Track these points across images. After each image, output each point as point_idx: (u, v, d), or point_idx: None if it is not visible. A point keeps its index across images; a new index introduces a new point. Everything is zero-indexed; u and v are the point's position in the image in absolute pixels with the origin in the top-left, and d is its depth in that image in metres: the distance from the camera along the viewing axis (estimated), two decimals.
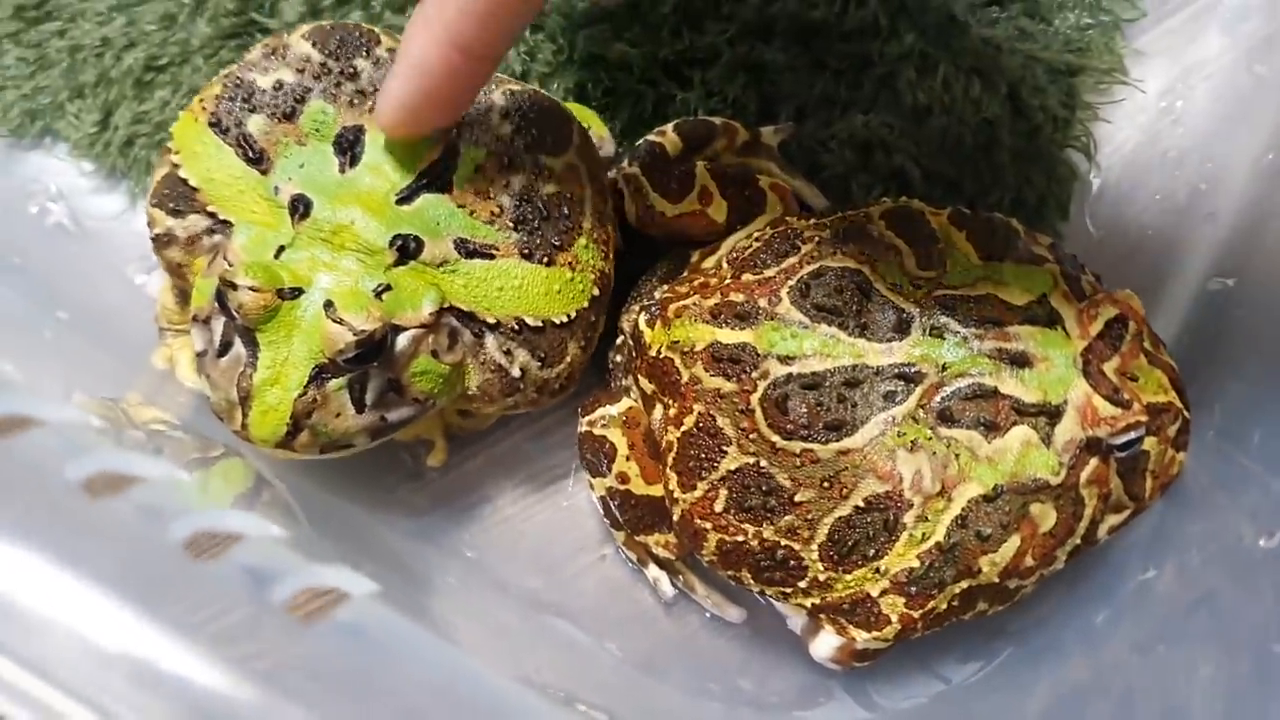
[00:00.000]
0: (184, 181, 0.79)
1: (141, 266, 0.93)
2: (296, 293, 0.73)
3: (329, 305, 0.72)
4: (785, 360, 0.75)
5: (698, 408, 0.77)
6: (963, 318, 0.75)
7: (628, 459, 0.83)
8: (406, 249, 0.76)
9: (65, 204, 0.94)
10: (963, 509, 0.73)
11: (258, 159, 0.78)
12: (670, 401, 0.80)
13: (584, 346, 0.83)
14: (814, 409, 0.74)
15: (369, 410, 0.75)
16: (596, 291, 0.82)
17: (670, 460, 0.79)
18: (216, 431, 0.81)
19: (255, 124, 0.79)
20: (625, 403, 0.84)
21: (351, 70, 0.80)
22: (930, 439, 0.73)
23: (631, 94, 0.94)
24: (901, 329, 0.75)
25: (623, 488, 0.83)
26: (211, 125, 0.79)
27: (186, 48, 0.94)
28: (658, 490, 0.82)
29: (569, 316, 0.80)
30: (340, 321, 0.71)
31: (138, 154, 0.93)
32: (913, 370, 0.74)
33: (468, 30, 0.68)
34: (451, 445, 0.89)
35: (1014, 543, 0.74)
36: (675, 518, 0.80)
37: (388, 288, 0.74)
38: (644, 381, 0.82)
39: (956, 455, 0.73)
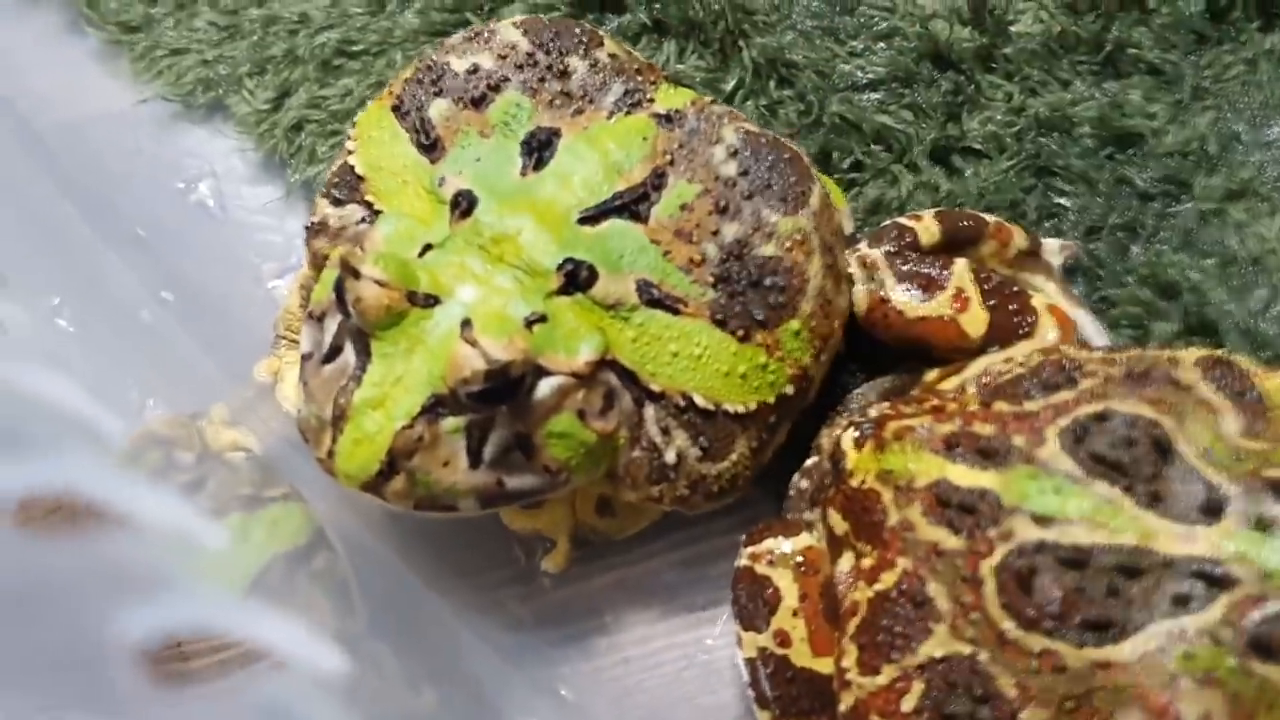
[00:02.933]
0: (352, 169, 0.74)
1: (280, 268, 0.88)
2: (431, 301, 0.64)
3: (466, 324, 0.62)
4: (1040, 521, 0.61)
5: (903, 563, 0.64)
6: None
7: (794, 614, 0.70)
8: (576, 277, 0.66)
9: (216, 184, 0.91)
10: None
11: (431, 146, 0.72)
12: (867, 549, 0.67)
13: (755, 450, 0.71)
14: (1071, 595, 0.59)
15: (485, 467, 0.64)
16: (789, 390, 0.71)
17: (852, 627, 0.65)
18: (301, 472, 0.72)
19: (437, 108, 0.72)
20: (804, 539, 0.71)
21: (562, 68, 0.73)
22: (1233, 673, 0.57)
23: (884, 175, 0.84)
24: (1211, 511, 0.60)
25: (780, 652, 0.70)
26: (394, 110, 0.73)
27: (388, 38, 0.90)
28: (826, 665, 0.68)
29: (746, 408, 0.69)
30: (474, 344, 0.61)
31: (304, 141, 0.89)
32: (1220, 571, 0.58)
33: None
34: (577, 553, 0.78)
35: None
36: (843, 708, 0.66)
37: (543, 318, 0.64)
38: (835, 517, 0.69)
39: (1271, 706, 0.57)
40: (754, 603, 0.70)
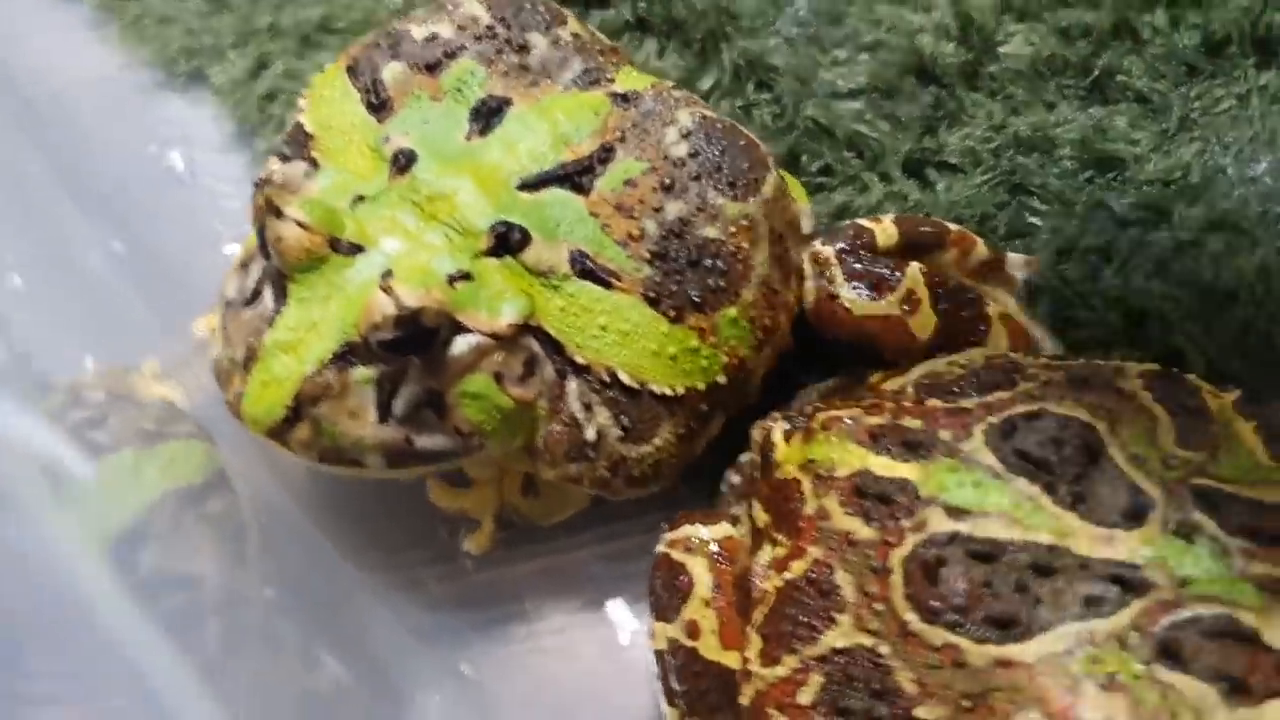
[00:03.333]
0: (302, 128, 0.74)
1: (240, 234, 0.87)
2: (355, 250, 0.63)
3: (387, 274, 0.62)
4: (955, 513, 0.59)
5: (814, 552, 0.62)
6: (1228, 522, 0.57)
7: (706, 604, 0.68)
8: (508, 240, 0.66)
9: (188, 151, 0.92)
10: None
11: (380, 106, 0.72)
12: (782, 539, 0.65)
13: (682, 436, 0.69)
14: (978, 589, 0.57)
15: (394, 422, 0.63)
16: (722, 379, 0.69)
17: (759, 617, 0.64)
18: (223, 429, 0.71)
19: (391, 71, 0.73)
20: (724, 529, 0.70)
21: (522, 43, 0.74)
22: (1139, 679, 0.54)
23: (854, 182, 0.84)
24: (1133, 515, 0.58)
25: (689, 644, 0.68)
26: (348, 70, 0.74)
27: (371, 16, 0.92)
28: (735, 659, 0.66)
29: (673, 391, 0.68)
30: (389, 292, 0.60)
31: (274, 110, 0.91)
32: (1136, 575, 0.56)
33: None
34: (503, 535, 0.77)
35: None
36: (743, 701, 0.64)
37: (467, 276, 0.64)
38: (759, 510, 0.68)
39: (1173, 715, 0.53)
40: (668, 590, 0.69)
